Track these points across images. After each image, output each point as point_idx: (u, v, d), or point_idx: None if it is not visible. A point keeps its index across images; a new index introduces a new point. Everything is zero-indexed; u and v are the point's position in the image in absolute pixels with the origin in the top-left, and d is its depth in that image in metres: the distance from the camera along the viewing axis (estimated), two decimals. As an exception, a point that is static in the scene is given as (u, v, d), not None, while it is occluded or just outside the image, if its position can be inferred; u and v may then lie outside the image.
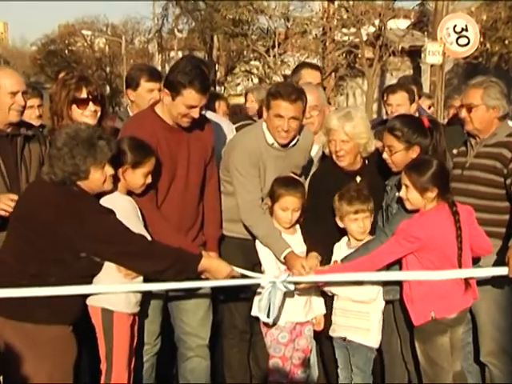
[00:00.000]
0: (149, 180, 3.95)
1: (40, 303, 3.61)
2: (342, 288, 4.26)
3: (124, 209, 3.82)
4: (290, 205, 4.33)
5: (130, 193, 4.00)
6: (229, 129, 5.34)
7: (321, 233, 4.34)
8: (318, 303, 4.48)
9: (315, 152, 4.89)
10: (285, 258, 4.29)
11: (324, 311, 4.47)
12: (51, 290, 3.62)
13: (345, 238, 4.39)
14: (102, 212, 3.69)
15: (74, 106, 4.28)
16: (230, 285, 4.14)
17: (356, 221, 4.26)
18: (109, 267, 3.78)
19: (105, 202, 3.80)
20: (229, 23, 21.03)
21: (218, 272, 4.00)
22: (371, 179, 4.45)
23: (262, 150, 4.48)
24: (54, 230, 3.57)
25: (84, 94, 4.28)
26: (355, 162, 4.50)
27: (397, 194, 4.13)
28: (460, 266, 3.97)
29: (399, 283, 4.11)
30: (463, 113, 4.43)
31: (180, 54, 25.80)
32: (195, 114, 4.10)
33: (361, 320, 4.26)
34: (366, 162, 4.56)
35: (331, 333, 4.39)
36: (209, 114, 4.87)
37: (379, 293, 4.25)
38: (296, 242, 4.41)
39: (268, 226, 4.40)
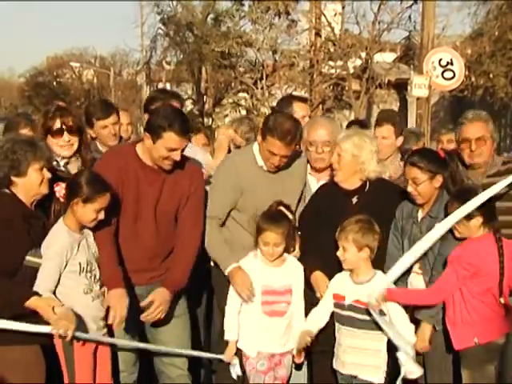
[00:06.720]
0: (101, 216, 3.90)
1: None
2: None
3: (61, 246, 3.79)
4: (270, 240, 4.37)
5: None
6: (204, 158, 5.22)
7: (320, 251, 4.40)
8: (297, 332, 4.42)
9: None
10: (229, 273, 4.38)
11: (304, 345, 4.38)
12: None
13: (346, 273, 4.39)
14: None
15: (49, 136, 4.36)
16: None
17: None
18: (74, 288, 3.84)
19: (52, 233, 3.83)
20: (217, 55, 21.18)
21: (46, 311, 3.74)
22: (369, 202, 4.49)
23: (252, 171, 4.56)
24: None
25: (58, 125, 4.35)
26: (350, 181, 4.58)
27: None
28: (501, 294, 4.02)
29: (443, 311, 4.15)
30: (473, 146, 4.52)
31: (168, 86, 25.91)
32: (176, 156, 4.16)
33: (372, 358, 4.26)
34: (367, 184, 4.60)
35: (338, 367, 4.37)
36: None
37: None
38: (280, 275, 4.44)
39: (217, 240, 4.50)
